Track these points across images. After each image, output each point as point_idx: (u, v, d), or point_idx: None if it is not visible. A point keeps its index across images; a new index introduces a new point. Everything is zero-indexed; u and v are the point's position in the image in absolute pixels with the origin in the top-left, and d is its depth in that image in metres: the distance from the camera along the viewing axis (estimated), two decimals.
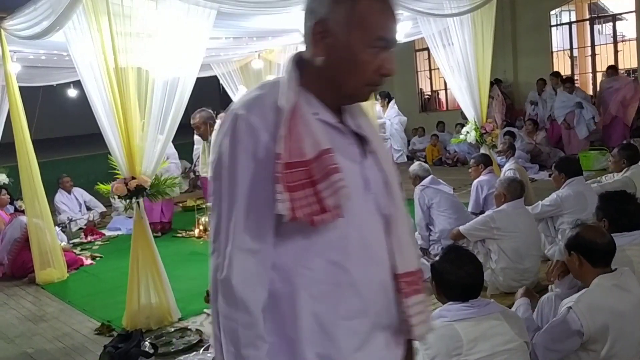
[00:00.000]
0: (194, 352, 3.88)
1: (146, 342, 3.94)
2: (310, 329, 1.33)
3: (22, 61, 6.46)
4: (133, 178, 4.36)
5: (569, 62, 12.54)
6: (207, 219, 7.34)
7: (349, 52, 1.35)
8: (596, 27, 12.40)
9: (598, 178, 6.14)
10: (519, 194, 4.32)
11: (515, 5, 12.35)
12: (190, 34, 4.42)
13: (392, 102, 9.28)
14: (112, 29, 4.04)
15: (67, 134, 12.67)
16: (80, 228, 8.31)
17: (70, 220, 8.19)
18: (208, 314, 4.59)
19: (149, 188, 4.46)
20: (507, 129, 9.84)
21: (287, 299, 1.33)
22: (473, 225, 4.37)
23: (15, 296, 5.75)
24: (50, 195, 7.04)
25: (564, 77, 10.77)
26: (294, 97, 1.32)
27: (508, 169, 6.10)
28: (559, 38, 12.56)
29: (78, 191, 8.81)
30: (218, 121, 8.16)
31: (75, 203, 8.69)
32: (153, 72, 4.36)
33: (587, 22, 12.48)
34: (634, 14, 11.12)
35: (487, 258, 4.24)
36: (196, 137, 8.41)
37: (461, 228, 4.44)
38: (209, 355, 3.71)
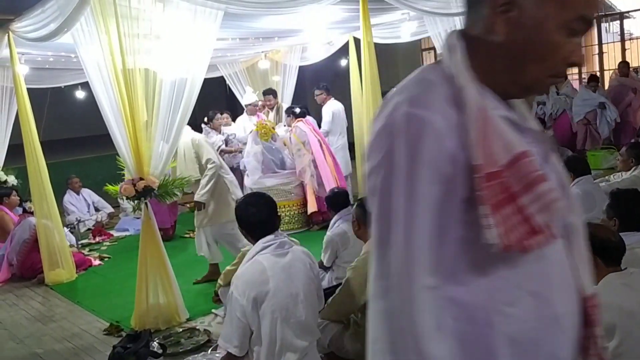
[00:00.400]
0: (202, 353, 3.89)
1: (155, 343, 3.96)
2: None
3: (30, 63, 6.51)
4: (141, 179, 4.38)
5: None
6: None
7: (539, 31, 1.06)
8: (603, 25, 12.33)
9: (606, 177, 6.11)
10: None
11: None
12: (197, 35, 4.43)
13: None
14: (119, 31, 4.06)
15: (75, 135, 12.71)
16: (89, 229, 8.36)
17: (79, 221, 8.23)
18: (216, 314, 4.60)
19: (157, 189, 4.48)
20: None
21: (476, 343, 1.04)
22: None
23: (24, 297, 5.78)
24: (59, 196, 7.08)
25: (587, 75, 10.59)
26: (475, 87, 1.05)
27: None
28: None
29: (86, 192, 8.86)
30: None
31: (84, 204, 8.74)
32: (160, 73, 4.38)
33: (595, 20, 12.40)
34: None
35: None
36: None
37: None
38: (217, 355, 3.72)
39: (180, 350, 4.01)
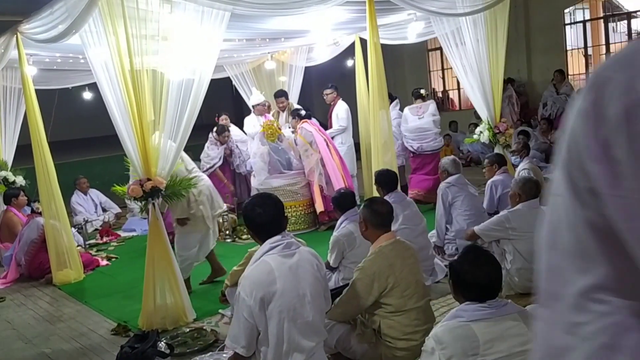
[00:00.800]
0: (210, 353, 3.90)
1: (162, 343, 3.97)
2: None
3: (38, 64, 6.55)
4: (149, 179, 4.40)
5: (584, 61, 12.43)
6: (220, 220, 7.37)
7: None
8: (611, 25, 12.27)
9: None
10: (534, 193, 4.29)
11: (529, 3, 12.27)
12: (204, 36, 4.45)
13: (395, 102, 8.65)
14: (127, 32, 4.08)
15: (83, 135, 12.78)
16: (96, 229, 8.40)
17: (86, 222, 8.28)
18: (223, 315, 4.61)
19: (164, 189, 4.50)
20: (521, 128, 9.78)
21: None
22: (488, 226, 4.35)
23: (32, 297, 5.81)
24: (67, 196, 7.12)
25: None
26: None
27: (522, 168, 6.07)
28: (573, 36, 12.45)
29: (94, 192, 8.90)
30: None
31: (91, 204, 8.78)
32: (168, 74, 4.39)
33: (602, 20, 12.36)
34: None
35: (502, 259, 4.22)
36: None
37: (475, 228, 4.42)
38: (224, 355, 3.72)
39: (188, 351, 4.02)
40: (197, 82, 4.49)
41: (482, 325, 2.23)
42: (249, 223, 2.88)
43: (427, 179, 7.60)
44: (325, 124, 8.45)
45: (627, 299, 0.75)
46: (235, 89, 9.63)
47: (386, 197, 4.67)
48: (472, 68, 6.42)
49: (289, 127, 7.82)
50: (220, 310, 4.68)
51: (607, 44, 12.05)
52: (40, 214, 6.45)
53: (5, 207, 7.16)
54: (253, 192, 7.13)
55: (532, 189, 4.31)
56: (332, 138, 7.95)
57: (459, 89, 14.15)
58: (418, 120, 7.76)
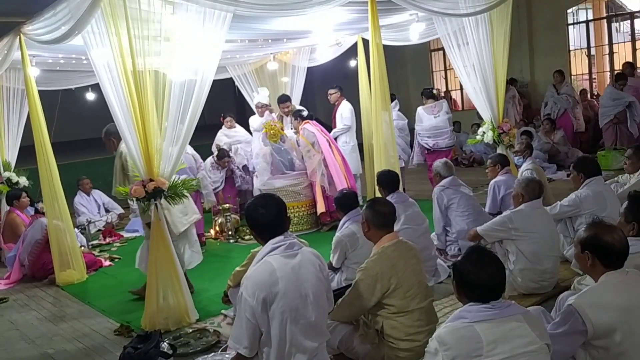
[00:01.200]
0: (212, 353, 3.90)
1: (165, 343, 3.97)
2: None
3: (41, 65, 6.56)
4: (151, 180, 4.40)
5: (587, 61, 12.40)
6: (222, 220, 7.37)
7: None
8: (614, 25, 12.25)
9: (616, 178, 6.07)
10: (537, 194, 4.28)
11: (532, 3, 12.26)
12: (206, 37, 4.44)
13: (394, 103, 8.42)
14: (130, 33, 4.08)
15: (86, 136, 12.77)
16: (99, 230, 8.42)
17: (89, 222, 8.30)
18: (225, 315, 4.62)
19: (166, 190, 4.50)
20: (524, 128, 9.77)
21: None
22: (490, 226, 4.34)
23: (35, 297, 5.82)
24: (70, 197, 7.13)
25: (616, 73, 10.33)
26: None
27: (525, 169, 6.06)
28: (576, 36, 12.44)
29: (97, 193, 8.92)
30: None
31: (94, 205, 8.80)
32: (170, 75, 4.39)
33: (605, 20, 12.34)
34: None
35: (505, 259, 4.22)
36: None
37: (478, 229, 4.41)
38: (227, 356, 3.73)
39: (190, 351, 4.02)
40: (199, 83, 4.49)
41: (485, 326, 2.22)
42: (251, 223, 2.88)
43: None
44: (329, 124, 8.45)
45: None
46: (238, 89, 9.65)
47: (388, 198, 4.66)
48: (475, 68, 6.41)
49: (292, 129, 7.83)
50: (222, 311, 4.68)
51: (610, 44, 12.03)
52: (44, 214, 6.46)
53: (8, 208, 7.18)
54: (256, 193, 7.14)
55: (535, 190, 4.30)
56: (336, 138, 7.95)
57: (461, 89, 14.13)
58: (434, 119, 7.88)
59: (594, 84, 12.56)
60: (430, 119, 7.91)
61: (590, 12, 12.79)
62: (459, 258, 2.45)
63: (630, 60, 11.35)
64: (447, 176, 5.45)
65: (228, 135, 8.58)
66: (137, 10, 4.09)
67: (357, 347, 3.31)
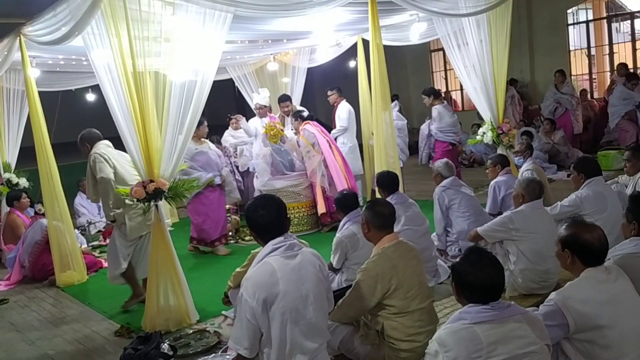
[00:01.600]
0: (213, 354, 3.90)
1: (165, 344, 3.97)
2: None
3: (41, 66, 6.56)
4: (151, 181, 4.40)
5: (587, 61, 12.40)
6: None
7: None
8: (614, 25, 12.25)
9: (616, 178, 6.06)
10: (537, 194, 4.27)
11: (532, 4, 12.26)
12: (206, 38, 4.45)
13: (394, 103, 8.36)
14: (130, 34, 4.08)
15: None
16: (99, 231, 8.41)
17: (89, 223, 8.29)
18: (226, 316, 4.61)
19: (167, 191, 4.50)
20: (524, 128, 9.76)
21: None
22: (491, 227, 4.33)
23: (35, 298, 5.82)
24: (70, 198, 7.13)
25: (629, 72, 10.28)
26: None
27: (526, 169, 6.05)
28: (576, 37, 12.44)
29: None
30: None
31: (94, 206, 8.79)
32: (170, 76, 4.39)
33: (605, 20, 12.34)
34: None
35: (506, 259, 4.21)
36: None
37: (479, 229, 4.41)
38: (227, 357, 3.73)
39: (191, 352, 4.02)
40: (199, 84, 4.49)
41: (485, 327, 2.22)
42: (251, 224, 2.87)
43: None
44: (329, 125, 8.45)
45: None
46: (238, 90, 9.65)
47: (388, 199, 4.66)
48: (475, 69, 6.41)
49: (292, 130, 7.82)
50: (223, 312, 4.68)
51: (610, 44, 12.03)
52: (43, 215, 6.46)
53: (8, 209, 7.18)
54: (256, 194, 7.13)
55: (535, 190, 4.29)
56: (335, 139, 7.95)
57: (461, 89, 14.14)
58: (454, 116, 8.45)
59: (594, 84, 12.56)
60: (452, 116, 8.40)
61: (590, 12, 12.78)
62: (458, 259, 2.45)
63: (631, 60, 11.36)
64: (448, 176, 5.45)
65: (234, 136, 8.61)
66: (137, 11, 4.09)
67: (358, 348, 3.31)
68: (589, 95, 11.95)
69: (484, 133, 6.70)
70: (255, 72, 9.33)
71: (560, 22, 12.14)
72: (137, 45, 4.14)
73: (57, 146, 6.21)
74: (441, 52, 14.04)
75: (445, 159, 5.84)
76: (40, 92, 5.98)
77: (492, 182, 5.79)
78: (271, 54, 8.90)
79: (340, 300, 3.30)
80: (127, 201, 4.80)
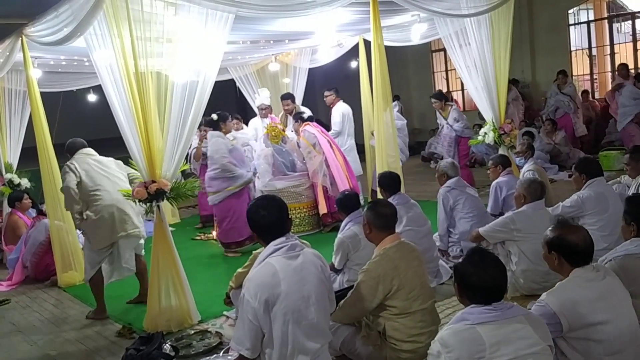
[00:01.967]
0: (215, 355, 3.90)
1: (167, 345, 3.98)
2: None
3: (43, 67, 6.57)
4: (153, 182, 4.40)
5: (588, 61, 12.39)
6: None
7: None
8: (615, 25, 12.24)
9: (618, 178, 6.06)
10: (539, 195, 4.28)
11: (533, 4, 12.25)
12: (208, 39, 4.45)
13: (394, 103, 8.24)
14: (132, 34, 4.09)
15: (88, 137, 12.75)
16: None
17: None
18: (227, 317, 4.62)
19: (169, 191, 4.51)
20: (525, 129, 9.75)
21: None
22: (493, 227, 4.33)
23: (37, 299, 5.83)
24: None
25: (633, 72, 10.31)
26: None
27: (527, 169, 6.04)
28: (577, 37, 12.42)
29: None
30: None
31: None
32: (172, 76, 4.40)
33: (606, 20, 12.33)
34: None
35: (507, 260, 4.21)
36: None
37: (481, 230, 4.41)
38: (229, 357, 3.73)
39: (192, 353, 4.03)
40: (201, 84, 4.50)
41: (488, 328, 2.22)
42: (253, 225, 2.88)
43: None
44: (329, 126, 8.44)
45: None
46: (239, 90, 9.65)
47: (390, 199, 4.66)
48: (477, 69, 6.41)
49: (292, 131, 7.82)
50: (224, 312, 4.69)
51: (612, 44, 12.01)
52: (46, 215, 6.46)
53: (9, 210, 7.19)
54: (257, 194, 7.13)
55: (537, 190, 4.29)
56: None
57: (462, 90, 14.14)
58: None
59: (595, 85, 12.55)
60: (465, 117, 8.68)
61: (591, 12, 12.77)
62: (460, 260, 2.46)
63: (632, 60, 11.34)
64: (453, 176, 5.45)
65: (235, 137, 8.53)
66: (139, 12, 4.09)
67: (360, 349, 3.31)
68: (590, 96, 11.94)
69: (486, 133, 6.70)
70: (257, 73, 9.34)
71: (561, 23, 12.14)
72: (139, 46, 4.15)
73: (58, 146, 6.20)
74: (442, 53, 14.04)
75: (450, 160, 5.85)
76: (41, 93, 5.99)
77: (494, 183, 5.78)
78: (272, 55, 8.90)
79: (342, 301, 3.30)
80: (87, 212, 4.82)
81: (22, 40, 5.60)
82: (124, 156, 4.84)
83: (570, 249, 2.62)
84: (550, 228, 2.77)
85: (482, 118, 8.06)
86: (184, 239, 7.55)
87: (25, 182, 7.51)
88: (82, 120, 12.48)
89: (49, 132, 5.97)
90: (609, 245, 4.15)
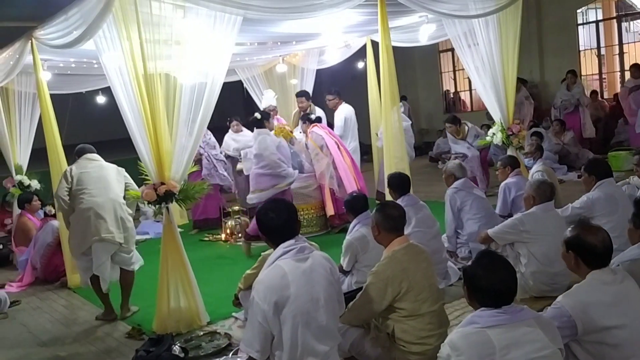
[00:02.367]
0: (224, 357, 3.91)
1: (176, 346, 3.99)
2: None
3: (52, 69, 6.61)
4: (162, 183, 4.42)
5: (597, 61, 12.33)
6: (233, 223, 7.40)
7: None
8: (624, 24, 12.17)
9: (627, 179, 6.02)
10: (548, 196, 4.25)
11: (541, 4, 12.20)
12: (216, 41, 4.47)
13: (401, 104, 8.19)
14: (141, 37, 4.11)
15: (97, 139, 12.84)
16: None
17: None
18: (236, 318, 4.63)
19: (177, 193, 4.52)
20: (534, 129, 9.71)
21: None
22: (502, 229, 4.31)
23: (47, 300, 5.86)
24: None
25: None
26: None
27: (536, 170, 6.02)
28: (585, 37, 12.36)
29: None
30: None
31: None
32: (181, 78, 4.42)
33: (615, 20, 12.26)
34: None
35: (517, 262, 4.19)
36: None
37: (490, 231, 4.39)
38: (238, 359, 3.74)
39: (202, 354, 4.04)
40: (209, 86, 4.51)
41: (498, 331, 2.21)
42: (262, 227, 2.88)
43: None
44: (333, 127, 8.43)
45: None
46: (247, 92, 9.66)
47: (398, 201, 4.66)
48: (485, 69, 6.39)
49: (300, 132, 7.82)
50: (233, 314, 4.70)
51: (620, 44, 11.94)
52: (53, 216, 6.50)
53: (19, 211, 7.23)
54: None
55: (546, 192, 4.27)
56: None
57: (470, 90, 14.10)
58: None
59: (604, 84, 12.48)
60: None
61: (600, 12, 12.71)
62: (470, 263, 2.45)
63: None
64: (460, 177, 5.44)
65: (236, 140, 8.48)
66: (148, 15, 4.11)
67: (369, 351, 3.31)
68: (599, 96, 11.88)
69: (494, 134, 6.67)
70: (264, 74, 9.35)
71: (570, 22, 12.08)
72: (148, 48, 4.16)
73: (68, 148, 6.24)
74: (450, 53, 14.01)
75: (457, 160, 5.84)
76: (51, 95, 6.02)
77: (502, 184, 5.76)
78: (280, 56, 8.91)
79: (351, 303, 3.30)
80: (71, 217, 4.86)
81: (31, 43, 5.64)
82: (133, 157, 4.86)
83: (588, 250, 2.59)
84: (571, 227, 2.73)
85: (489, 118, 8.03)
86: (193, 240, 7.57)
87: (35, 184, 7.55)
88: (91, 122, 12.55)
89: (59, 134, 6.00)
90: (618, 246, 4.10)
